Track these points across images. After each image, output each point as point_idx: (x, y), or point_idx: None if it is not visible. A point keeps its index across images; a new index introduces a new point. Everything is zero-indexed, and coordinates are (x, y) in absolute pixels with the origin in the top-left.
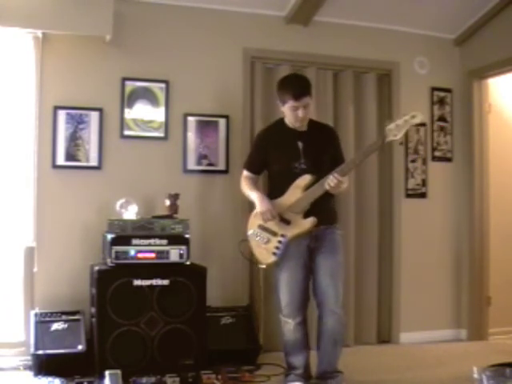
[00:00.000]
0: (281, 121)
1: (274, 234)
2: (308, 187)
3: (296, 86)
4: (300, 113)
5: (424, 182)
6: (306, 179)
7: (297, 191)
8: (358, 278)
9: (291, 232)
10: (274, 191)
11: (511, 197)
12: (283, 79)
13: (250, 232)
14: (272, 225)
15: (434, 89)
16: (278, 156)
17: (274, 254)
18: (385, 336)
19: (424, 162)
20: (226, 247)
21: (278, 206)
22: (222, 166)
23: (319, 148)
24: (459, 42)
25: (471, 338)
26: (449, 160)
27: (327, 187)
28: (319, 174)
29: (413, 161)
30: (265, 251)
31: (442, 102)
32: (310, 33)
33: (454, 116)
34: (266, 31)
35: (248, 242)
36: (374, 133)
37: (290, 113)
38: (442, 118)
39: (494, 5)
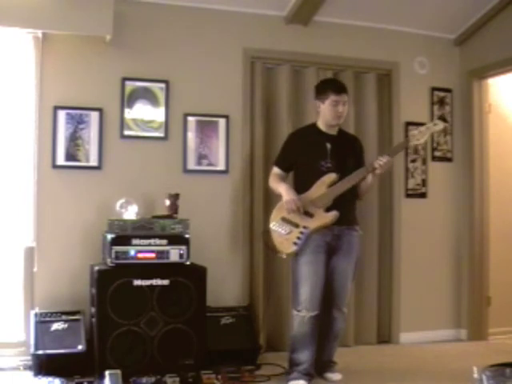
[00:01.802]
0: (313, 124)
1: (296, 225)
2: (332, 185)
3: (336, 83)
4: (340, 108)
5: (424, 182)
6: (331, 177)
7: (322, 187)
8: (358, 278)
9: (313, 224)
10: (298, 187)
11: (511, 197)
12: (323, 80)
13: (272, 223)
14: (294, 217)
15: (434, 89)
16: (306, 154)
17: (295, 243)
18: (385, 336)
19: (424, 161)
20: (226, 247)
21: (302, 200)
22: (221, 166)
23: (345, 152)
24: (459, 42)
25: (471, 338)
26: (449, 160)
27: (376, 165)
28: (343, 174)
29: (413, 161)
30: (286, 241)
31: (441, 102)
32: (310, 33)
33: (454, 116)
34: (266, 31)
35: (269, 233)
36: (374, 133)
37: (331, 108)
38: (442, 118)
39: (494, 5)
